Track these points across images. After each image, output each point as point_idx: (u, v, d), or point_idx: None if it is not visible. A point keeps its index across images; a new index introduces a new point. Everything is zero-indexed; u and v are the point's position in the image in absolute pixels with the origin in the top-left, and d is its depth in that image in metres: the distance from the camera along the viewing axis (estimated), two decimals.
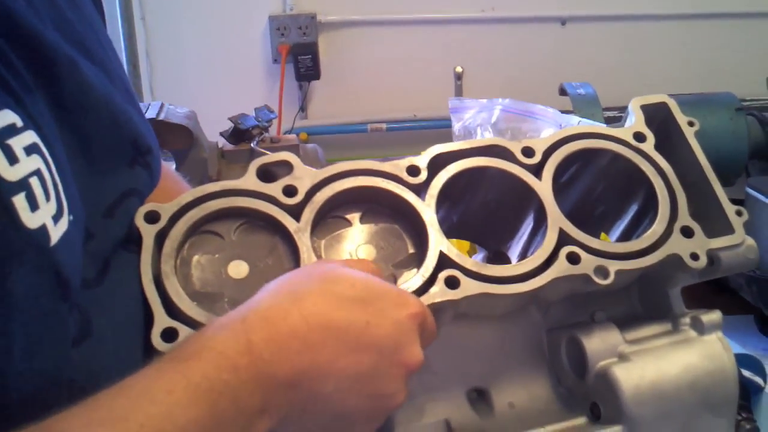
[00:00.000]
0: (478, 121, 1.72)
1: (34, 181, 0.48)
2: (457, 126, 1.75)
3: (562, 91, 1.87)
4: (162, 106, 1.52)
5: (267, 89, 2.58)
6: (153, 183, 0.71)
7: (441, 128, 2.51)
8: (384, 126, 2.58)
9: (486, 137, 1.64)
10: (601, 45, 2.60)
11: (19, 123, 0.48)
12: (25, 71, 0.52)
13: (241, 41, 2.56)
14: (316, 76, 2.52)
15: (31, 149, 0.49)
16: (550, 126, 1.58)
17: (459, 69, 2.65)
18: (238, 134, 1.62)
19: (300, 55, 2.48)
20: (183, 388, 0.49)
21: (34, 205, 0.47)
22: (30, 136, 0.49)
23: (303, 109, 2.61)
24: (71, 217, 0.52)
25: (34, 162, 0.49)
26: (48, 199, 0.49)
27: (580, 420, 0.73)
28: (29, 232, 0.47)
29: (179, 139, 1.50)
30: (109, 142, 0.62)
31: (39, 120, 0.51)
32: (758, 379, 1.20)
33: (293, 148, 1.66)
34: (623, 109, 1.98)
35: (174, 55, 2.52)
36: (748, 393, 1.12)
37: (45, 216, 0.48)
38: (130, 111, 0.66)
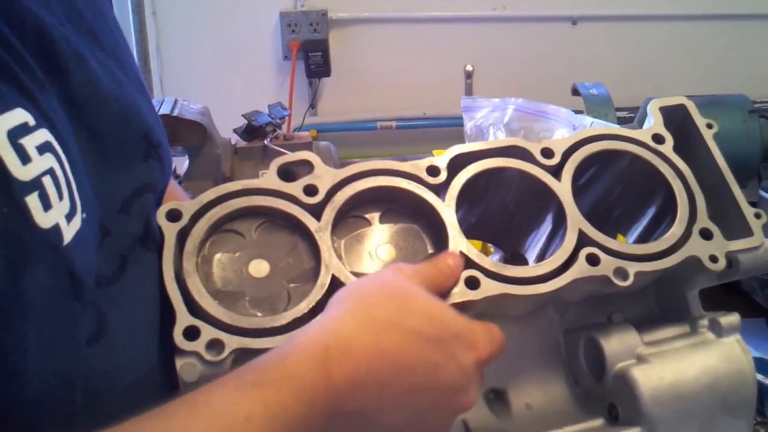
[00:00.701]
0: (490, 120, 1.72)
1: (47, 180, 0.48)
2: (469, 125, 1.75)
3: (575, 92, 1.87)
4: (176, 102, 1.52)
5: (277, 86, 2.59)
6: (166, 176, 0.71)
7: (450, 126, 2.52)
8: (393, 124, 2.59)
9: (498, 137, 1.64)
10: (612, 45, 2.60)
11: (32, 121, 0.48)
12: (38, 68, 0.52)
13: (252, 37, 2.56)
14: (327, 73, 2.53)
15: (43, 148, 0.49)
16: (563, 126, 1.58)
17: (469, 67, 2.65)
18: (252, 131, 1.63)
19: (311, 52, 2.49)
20: (261, 416, 0.50)
21: (47, 205, 0.47)
22: (43, 135, 0.49)
23: (313, 106, 2.62)
24: (84, 215, 0.52)
25: (47, 161, 0.49)
26: (61, 198, 0.49)
27: (598, 421, 0.74)
28: (42, 232, 0.47)
29: (193, 135, 1.51)
30: (121, 137, 0.62)
31: (52, 117, 0.51)
32: None
33: (307, 146, 1.66)
34: (635, 109, 1.98)
35: (184, 51, 2.52)
36: (761, 396, 1.12)
37: (58, 215, 0.48)
38: (140, 102, 0.66)
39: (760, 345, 1.34)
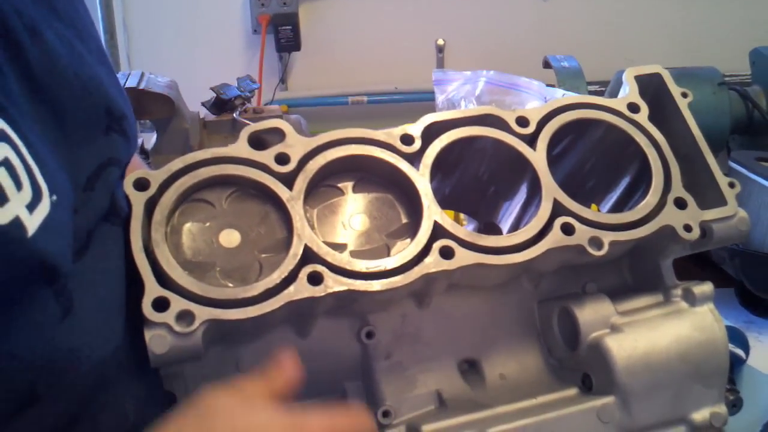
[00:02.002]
0: (461, 93, 1.71)
1: (2, 173, 0.46)
2: (440, 98, 1.74)
3: (546, 64, 1.86)
4: (143, 75, 1.49)
5: (246, 60, 2.54)
6: (131, 150, 0.69)
7: (422, 101, 2.50)
8: (365, 98, 2.56)
9: None
10: (583, 18, 2.59)
11: None
12: None
13: (220, 11, 2.51)
14: (297, 47, 2.49)
15: None
16: (534, 99, 1.57)
17: (441, 41, 2.63)
18: (221, 104, 1.60)
19: (280, 26, 2.45)
20: None
21: (3, 198, 0.46)
22: None
23: (283, 80, 2.58)
24: (54, 198, 0.50)
25: (1, 151, 0.47)
26: (20, 187, 0.47)
27: (572, 391, 0.73)
28: (4, 227, 0.45)
29: (160, 108, 1.48)
30: (81, 112, 0.59)
31: (3, 102, 0.49)
32: (740, 352, 1.21)
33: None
34: (605, 83, 1.98)
35: (152, 25, 2.47)
36: (731, 365, 1.13)
37: (17, 207, 0.46)
38: (101, 74, 0.63)
39: (730, 314, 1.35)
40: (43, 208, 0.49)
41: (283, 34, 2.46)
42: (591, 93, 1.85)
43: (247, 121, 1.53)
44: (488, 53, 2.57)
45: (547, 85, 1.66)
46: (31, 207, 0.48)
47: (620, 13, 2.58)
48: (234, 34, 2.54)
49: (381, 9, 2.58)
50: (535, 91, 1.58)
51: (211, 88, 1.63)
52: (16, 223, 0.46)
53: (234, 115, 1.60)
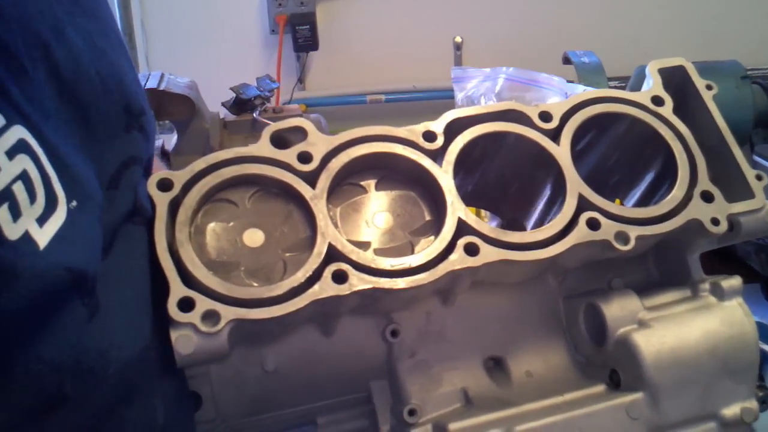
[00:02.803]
0: (481, 90, 1.70)
1: (18, 187, 0.46)
2: (459, 96, 1.73)
3: (566, 60, 1.85)
4: (162, 76, 1.49)
5: (264, 60, 2.56)
6: (150, 147, 0.69)
7: (440, 99, 2.50)
8: (383, 97, 2.56)
9: None
10: (602, 13, 2.58)
11: (2, 121, 0.46)
12: (22, 47, 0.50)
13: (238, 11, 2.53)
14: (315, 46, 2.50)
15: (15, 149, 0.46)
16: (555, 95, 1.56)
17: (458, 39, 2.63)
18: (240, 104, 1.60)
19: (298, 26, 2.45)
20: None
21: (16, 214, 0.45)
22: (14, 134, 0.46)
23: (301, 80, 2.59)
24: (73, 204, 0.50)
25: (19, 164, 0.46)
26: (33, 201, 0.47)
27: (599, 388, 0.73)
28: (12, 243, 0.45)
29: (181, 109, 1.48)
30: (103, 110, 0.59)
31: (26, 109, 0.49)
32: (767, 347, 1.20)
33: None
34: (625, 79, 1.96)
35: (170, 26, 2.49)
36: (760, 361, 1.11)
37: (28, 221, 0.46)
38: (122, 70, 0.63)
39: (756, 310, 1.33)
40: (58, 218, 0.49)
41: (301, 33, 2.47)
42: (612, 88, 1.84)
43: (268, 121, 1.53)
44: (506, 50, 2.56)
45: (567, 81, 1.65)
46: (43, 219, 0.47)
47: (639, 7, 2.56)
48: (251, 34, 2.55)
49: (398, 7, 2.58)
50: (555, 87, 1.57)
51: (231, 88, 1.63)
52: (26, 238, 0.46)
53: (254, 114, 1.60)
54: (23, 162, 0.47)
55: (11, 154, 0.46)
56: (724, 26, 2.53)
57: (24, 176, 0.46)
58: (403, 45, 2.60)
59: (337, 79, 2.60)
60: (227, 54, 2.53)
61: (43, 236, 0.47)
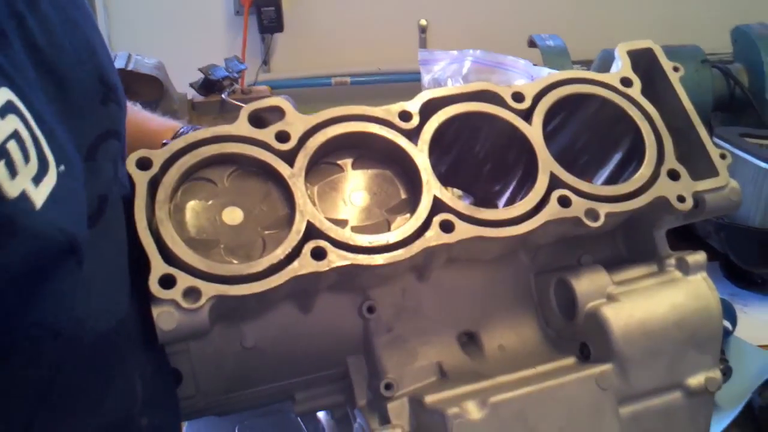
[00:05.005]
0: (448, 73, 1.72)
1: (12, 146, 0.46)
2: (426, 78, 1.75)
3: (531, 43, 1.87)
4: (130, 56, 1.48)
5: (229, 42, 2.54)
6: (124, 121, 0.69)
7: (405, 81, 2.51)
8: (348, 80, 2.57)
9: None
10: None
11: None
12: (2, 13, 0.50)
13: None
14: (280, 28, 2.49)
15: (5, 110, 0.46)
16: (521, 77, 1.58)
17: (423, 22, 2.64)
18: (209, 85, 1.60)
19: (263, 7, 2.44)
20: None
21: (13, 172, 0.45)
22: (3, 94, 0.47)
23: (266, 62, 2.58)
24: (61, 168, 0.50)
25: (11, 123, 0.46)
26: (27, 160, 0.47)
27: (570, 360, 0.75)
28: (12, 201, 0.45)
29: (149, 90, 1.47)
30: (79, 82, 0.59)
31: (10, 72, 0.49)
32: (727, 323, 1.24)
33: None
34: (589, 62, 1.99)
35: (132, 6, 2.46)
36: None
37: (24, 181, 0.46)
38: (94, 42, 0.63)
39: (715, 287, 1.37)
40: (50, 180, 0.49)
41: (266, 15, 2.46)
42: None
43: (236, 102, 1.53)
44: (471, 33, 2.58)
45: (533, 65, 1.68)
46: (37, 180, 0.48)
47: None
48: (216, 15, 2.54)
49: None
50: (521, 70, 1.59)
51: (200, 69, 1.63)
52: (23, 197, 0.46)
53: (222, 95, 1.60)
54: (14, 122, 0.47)
55: (2, 113, 0.46)
56: (685, 12, 2.58)
57: (16, 136, 0.47)
58: (369, 27, 2.60)
59: (303, 61, 2.60)
60: (191, 35, 2.51)
61: (38, 196, 0.47)
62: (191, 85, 1.63)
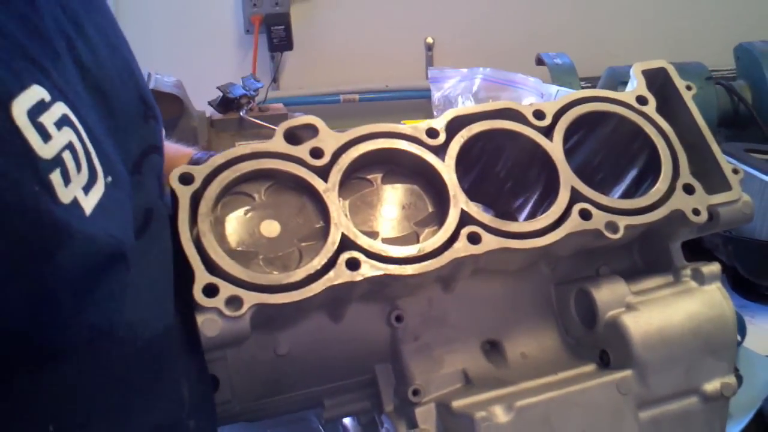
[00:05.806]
0: (458, 90, 1.76)
1: (67, 155, 0.49)
2: (437, 95, 1.79)
3: (539, 61, 1.91)
4: (149, 75, 1.52)
5: (239, 60, 2.57)
6: (162, 137, 0.72)
7: (413, 98, 2.54)
8: (357, 97, 2.60)
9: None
10: (571, 15, 2.65)
11: (48, 97, 0.48)
12: (55, 33, 0.53)
13: (213, 11, 2.54)
14: (289, 47, 2.52)
15: (61, 122, 0.49)
16: (531, 95, 1.62)
17: (430, 40, 2.68)
18: (227, 103, 1.63)
19: (273, 26, 2.48)
20: None
21: (67, 180, 0.48)
22: (59, 109, 0.49)
23: (275, 80, 2.62)
24: (109, 179, 0.53)
25: (66, 135, 0.49)
26: (79, 170, 0.50)
27: (590, 367, 0.78)
28: (66, 207, 0.48)
29: (169, 108, 1.51)
30: (123, 99, 0.62)
31: (64, 88, 0.52)
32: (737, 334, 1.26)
33: (282, 117, 1.68)
34: (594, 79, 2.03)
35: (143, 26, 2.49)
36: None
37: (76, 188, 0.49)
38: (132, 64, 0.67)
39: None
40: (98, 189, 0.52)
41: (276, 34, 2.49)
42: (583, 89, 1.90)
43: (254, 119, 1.57)
44: (477, 51, 2.61)
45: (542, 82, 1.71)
46: (87, 188, 0.50)
47: (607, 10, 2.64)
48: (226, 34, 2.57)
49: (371, 8, 2.62)
50: (531, 88, 1.63)
51: (218, 87, 1.67)
52: (75, 203, 0.49)
53: (240, 113, 1.63)
54: (68, 134, 0.50)
55: (58, 125, 0.49)
56: (689, 29, 2.62)
57: (71, 146, 0.49)
58: (376, 45, 2.64)
59: (311, 78, 2.62)
60: (202, 54, 2.54)
61: (88, 204, 0.50)
62: (209, 103, 1.67)
